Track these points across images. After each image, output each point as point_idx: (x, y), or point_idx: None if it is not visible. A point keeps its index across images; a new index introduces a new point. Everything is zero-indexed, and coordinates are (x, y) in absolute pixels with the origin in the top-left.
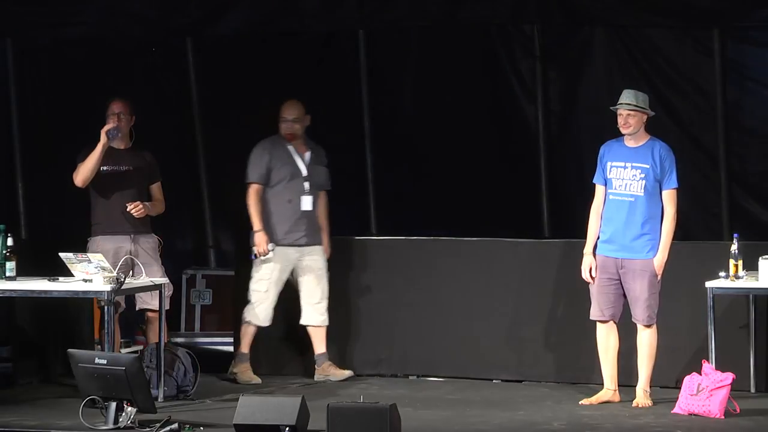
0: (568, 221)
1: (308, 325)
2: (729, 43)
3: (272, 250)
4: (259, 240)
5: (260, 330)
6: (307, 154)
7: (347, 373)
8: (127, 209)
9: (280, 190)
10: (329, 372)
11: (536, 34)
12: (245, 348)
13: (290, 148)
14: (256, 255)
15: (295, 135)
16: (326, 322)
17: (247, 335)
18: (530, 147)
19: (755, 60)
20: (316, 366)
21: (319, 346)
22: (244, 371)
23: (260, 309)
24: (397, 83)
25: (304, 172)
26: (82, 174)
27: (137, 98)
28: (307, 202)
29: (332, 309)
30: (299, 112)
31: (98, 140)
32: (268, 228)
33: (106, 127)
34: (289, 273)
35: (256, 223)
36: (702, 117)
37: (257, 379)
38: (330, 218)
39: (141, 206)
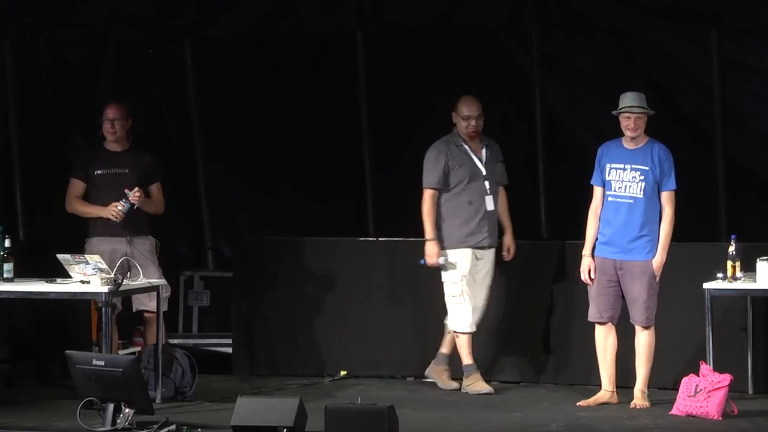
0: (567, 222)
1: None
2: (729, 43)
3: (443, 263)
4: (430, 251)
5: (259, 330)
6: (483, 152)
7: (488, 387)
8: (128, 192)
9: (459, 191)
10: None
11: (535, 35)
12: (444, 348)
13: (466, 147)
14: (425, 261)
15: (478, 132)
16: (473, 328)
17: (449, 340)
18: (529, 147)
19: (755, 60)
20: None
21: (466, 357)
22: (439, 372)
23: (461, 315)
24: (396, 85)
25: (484, 171)
26: (72, 210)
27: (135, 99)
28: (490, 202)
29: (332, 310)
30: (480, 107)
31: (97, 142)
32: (448, 231)
33: (113, 212)
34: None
35: (429, 231)
36: (701, 117)
37: (454, 384)
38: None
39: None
